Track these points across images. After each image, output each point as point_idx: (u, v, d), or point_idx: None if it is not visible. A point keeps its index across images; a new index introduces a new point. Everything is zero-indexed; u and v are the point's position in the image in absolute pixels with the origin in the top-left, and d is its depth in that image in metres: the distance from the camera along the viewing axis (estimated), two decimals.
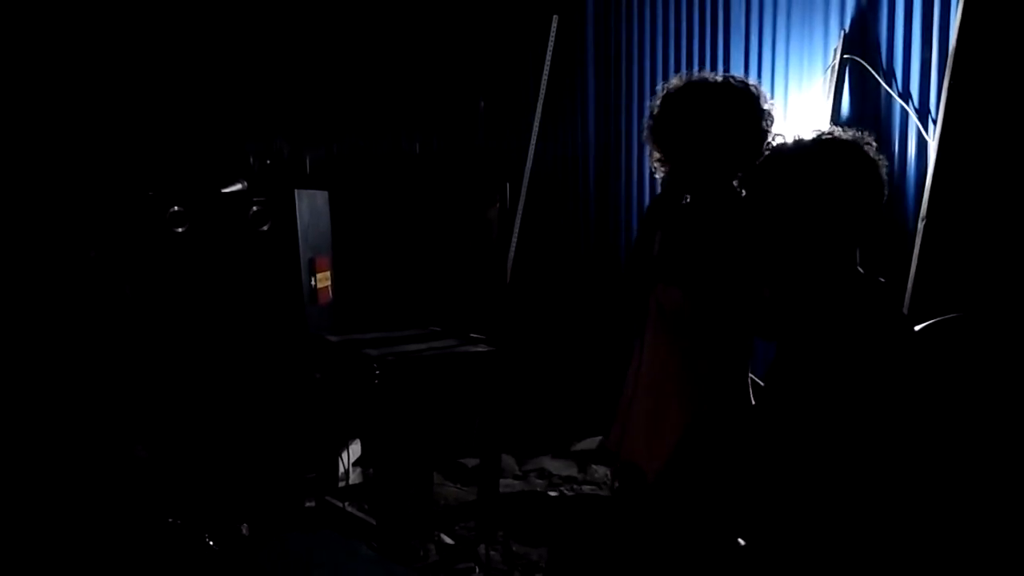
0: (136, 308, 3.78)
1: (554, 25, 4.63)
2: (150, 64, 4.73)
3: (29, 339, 3.65)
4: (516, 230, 4.51)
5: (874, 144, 1.49)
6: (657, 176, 1.91)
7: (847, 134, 1.51)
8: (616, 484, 2.14)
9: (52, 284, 3.75)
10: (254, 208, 3.85)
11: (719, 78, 1.84)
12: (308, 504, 3.43)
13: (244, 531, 3.16)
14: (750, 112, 1.79)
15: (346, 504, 3.27)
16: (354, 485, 3.53)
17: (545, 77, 4.59)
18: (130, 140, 4.54)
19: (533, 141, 4.63)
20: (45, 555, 2.83)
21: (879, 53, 3.21)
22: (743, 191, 1.71)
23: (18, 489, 3.16)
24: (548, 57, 4.62)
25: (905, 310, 2.80)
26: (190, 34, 4.89)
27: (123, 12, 4.66)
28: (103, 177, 4.16)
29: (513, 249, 4.45)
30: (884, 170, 1.46)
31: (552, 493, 3.60)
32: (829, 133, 1.51)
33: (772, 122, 1.81)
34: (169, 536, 3.10)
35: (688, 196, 1.85)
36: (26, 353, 3.62)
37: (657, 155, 1.88)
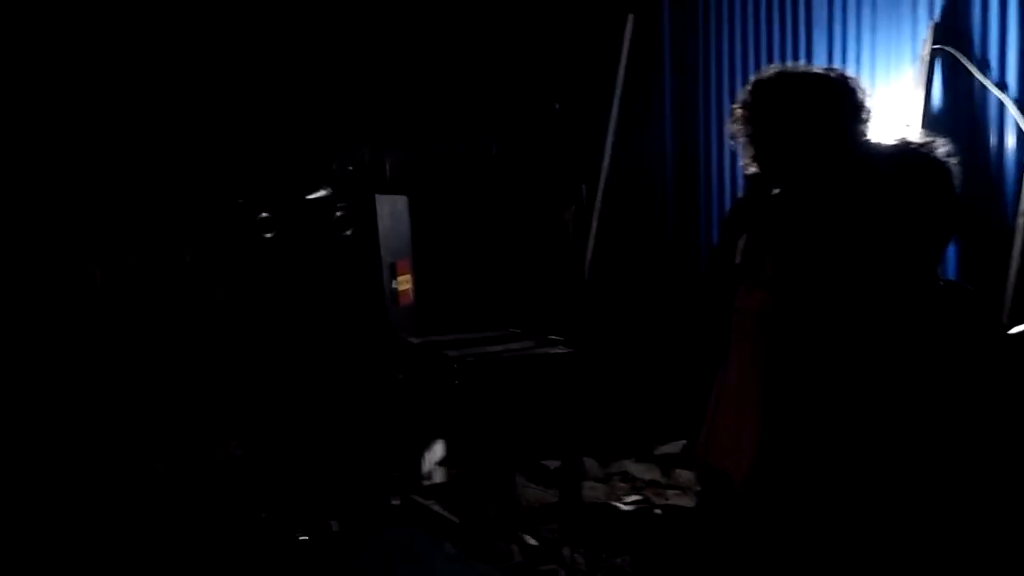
0: (229, 311, 3.94)
1: (629, 25, 4.61)
2: (242, 82, 4.92)
3: (133, 340, 3.85)
4: (593, 231, 4.51)
5: (945, 149, 1.46)
6: (748, 171, 1.87)
7: (920, 142, 1.47)
8: (699, 488, 2.12)
9: (152, 288, 3.95)
10: (338, 213, 3.96)
11: (817, 68, 1.80)
12: (394, 502, 3.51)
13: (334, 527, 3.26)
14: (844, 105, 1.75)
15: (431, 503, 3.34)
16: (438, 484, 3.59)
17: (621, 77, 4.57)
18: (221, 150, 4.74)
19: (609, 141, 4.62)
20: (147, 547, 2.99)
21: (971, 42, 3.09)
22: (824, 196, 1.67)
23: (118, 483, 3.34)
24: (624, 57, 4.61)
25: (1006, 308, 2.70)
26: (278, 54, 5.06)
27: (220, 32, 4.86)
28: (197, 186, 4.35)
29: (591, 250, 4.45)
30: (957, 178, 1.43)
31: (635, 497, 3.58)
32: (904, 145, 1.48)
33: (869, 115, 1.76)
34: (262, 530, 3.23)
35: (776, 190, 1.81)
36: (130, 353, 3.82)
37: (748, 149, 1.84)
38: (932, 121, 3.17)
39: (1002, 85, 2.97)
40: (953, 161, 1.46)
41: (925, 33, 3.21)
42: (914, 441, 1.36)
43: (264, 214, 3.92)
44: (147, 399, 3.78)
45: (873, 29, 3.51)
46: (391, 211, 4.10)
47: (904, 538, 1.36)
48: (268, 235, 3.93)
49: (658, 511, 3.32)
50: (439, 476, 3.67)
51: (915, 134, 1.56)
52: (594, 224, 4.42)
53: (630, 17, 4.50)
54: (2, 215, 3.92)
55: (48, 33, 4.29)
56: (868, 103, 1.76)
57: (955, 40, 3.12)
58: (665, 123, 4.71)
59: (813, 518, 1.47)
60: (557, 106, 5.00)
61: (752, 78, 1.84)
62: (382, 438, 3.69)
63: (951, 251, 3.18)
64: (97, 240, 4.09)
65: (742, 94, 1.83)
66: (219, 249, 4.01)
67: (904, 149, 1.48)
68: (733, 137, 1.86)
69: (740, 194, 1.88)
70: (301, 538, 3.14)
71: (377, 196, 4.03)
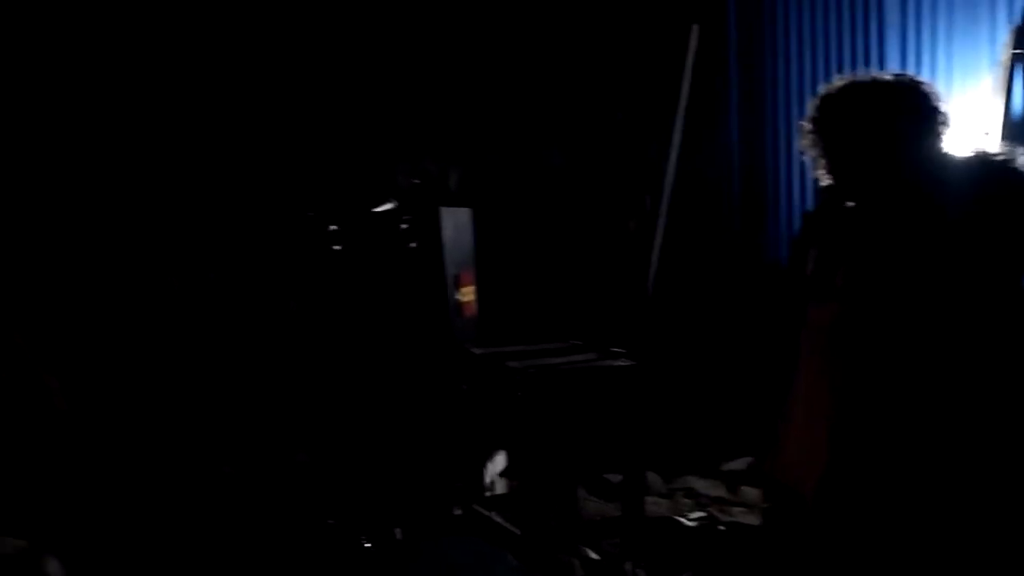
0: (300, 322, 4.05)
1: (694, 34, 4.57)
2: (312, 100, 5.05)
3: (207, 350, 3.99)
4: (658, 242, 4.47)
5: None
6: (822, 183, 1.84)
7: (1000, 153, 1.43)
8: (766, 505, 2.09)
9: (227, 300, 4.09)
10: (403, 226, 4.03)
11: (887, 76, 1.76)
12: (456, 512, 3.54)
13: (397, 534, 3.31)
14: (917, 111, 1.70)
15: (492, 514, 3.35)
16: (500, 495, 3.61)
17: (686, 87, 4.53)
18: (292, 165, 4.87)
19: (674, 152, 4.58)
20: (214, 552, 3.08)
21: None
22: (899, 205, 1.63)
23: (187, 490, 3.45)
24: (688, 67, 4.56)
25: None
26: (345, 70, 5.18)
27: (289, 50, 5.00)
28: (269, 200, 4.48)
29: (655, 262, 4.41)
30: None
31: (700, 513, 3.53)
32: (983, 156, 1.44)
33: (945, 121, 1.71)
34: (327, 536, 3.30)
35: (850, 202, 1.78)
36: (204, 364, 3.95)
37: (821, 162, 1.81)
38: (1012, 130, 3.05)
39: None
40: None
41: (1005, 37, 3.11)
42: (991, 456, 1.32)
43: (333, 227, 4.02)
44: (219, 407, 3.90)
45: (949, 34, 3.41)
46: (455, 223, 4.16)
47: (978, 555, 1.32)
48: (337, 247, 4.03)
49: (722, 527, 3.27)
50: (501, 487, 3.68)
51: (994, 144, 1.51)
52: (659, 235, 4.37)
53: (695, 27, 4.46)
54: (85, 227, 4.10)
55: (131, 56, 4.48)
56: (943, 108, 1.71)
57: None
58: (731, 133, 4.65)
59: (883, 534, 1.44)
60: (621, 116, 4.99)
61: (821, 90, 1.81)
62: (445, 448, 3.73)
63: None
64: (178, 254, 4.25)
65: (811, 107, 1.80)
66: (290, 261, 4.12)
67: (983, 160, 1.44)
68: (804, 151, 1.83)
69: (809, 206, 1.85)
70: (365, 545, 3.20)
71: (441, 209, 4.09)
